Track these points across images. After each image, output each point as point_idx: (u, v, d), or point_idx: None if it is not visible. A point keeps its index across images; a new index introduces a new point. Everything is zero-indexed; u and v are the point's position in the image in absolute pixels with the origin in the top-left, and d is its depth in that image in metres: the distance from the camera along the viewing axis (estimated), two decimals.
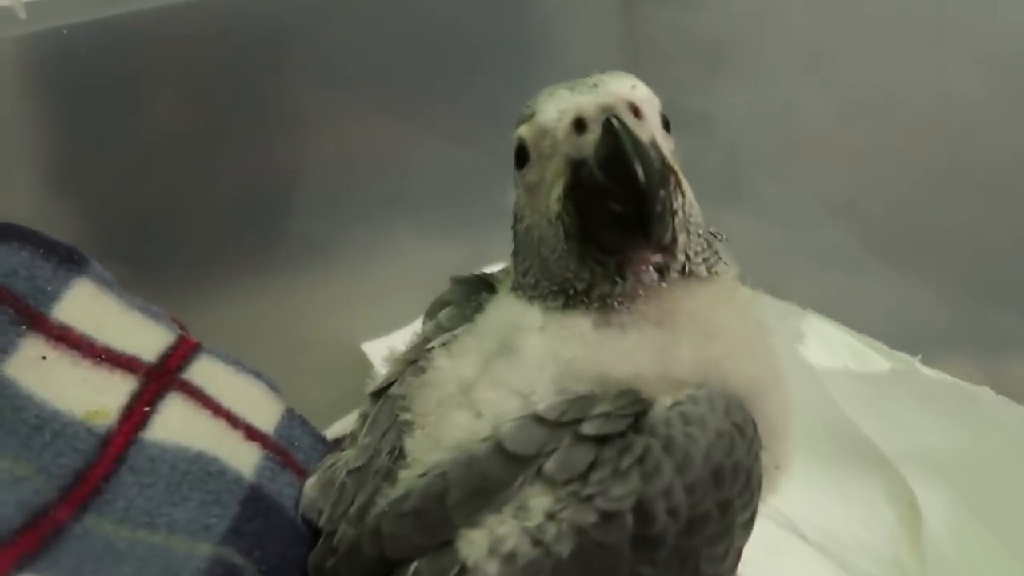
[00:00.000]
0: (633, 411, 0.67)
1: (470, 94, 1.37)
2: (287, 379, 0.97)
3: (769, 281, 1.38)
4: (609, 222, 0.66)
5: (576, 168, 0.67)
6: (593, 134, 0.66)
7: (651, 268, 0.69)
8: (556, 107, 0.69)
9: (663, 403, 0.67)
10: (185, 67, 1.12)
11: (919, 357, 1.19)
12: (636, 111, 0.68)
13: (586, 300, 0.70)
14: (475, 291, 0.84)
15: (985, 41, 1.16)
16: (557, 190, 0.69)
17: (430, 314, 0.86)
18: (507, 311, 0.76)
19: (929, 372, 1.16)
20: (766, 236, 1.40)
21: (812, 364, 1.19)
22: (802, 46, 1.34)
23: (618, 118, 0.66)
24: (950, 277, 1.21)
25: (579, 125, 0.67)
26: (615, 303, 0.70)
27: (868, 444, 1.10)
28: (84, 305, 0.83)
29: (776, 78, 1.38)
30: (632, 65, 1.52)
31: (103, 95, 1.06)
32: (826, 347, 1.24)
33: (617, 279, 0.69)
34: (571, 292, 0.71)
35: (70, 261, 0.85)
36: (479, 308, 0.80)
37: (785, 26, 1.35)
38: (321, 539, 0.77)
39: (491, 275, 0.86)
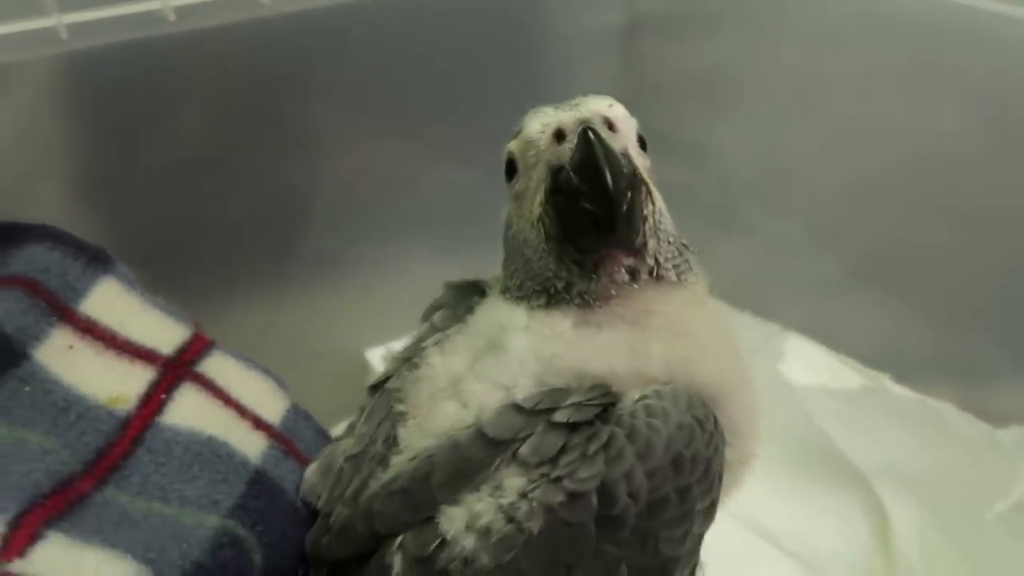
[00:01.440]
0: (602, 402, 0.73)
1: (477, 120, 1.42)
2: (294, 383, 1.02)
3: (756, 303, 1.45)
4: (584, 223, 0.73)
5: (555, 173, 0.74)
6: (570, 143, 0.73)
7: (623, 269, 0.75)
8: (540, 122, 0.76)
9: (631, 396, 0.73)
10: (210, 88, 1.19)
11: (889, 375, 1.24)
12: (611, 125, 0.75)
13: (566, 297, 0.76)
14: (467, 295, 0.90)
15: (969, 82, 1.22)
16: (539, 195, 0.75)
17: (426, 316, 0.92)
18: (495, 312, 0.82)
19: (898, 389, 1.21)
20: (755, 261, 1.46)
21: (792, 382, 1.24)
22: (794, 83, 1.40)
23: (592, 129, 0.72)
24: (925, 302, 1.26)
25: (559, 135, 0.74)
26: (591, 300, 0.75)
27: (843, 458, 1.15)
28: (109, 302, 0.90)
29: (768, 113, 1.44)
30: (631, 97, 1.58)
31: (133, 112, 1.13)
32: (806, 366, 1.29)
33: (592, 276, 0.75)
34: (552, 290, 0.76)
35: (97, 261, 0.92)
36: (470, 310, 0.86)
37: (778, 64, 1.41)
38: (319, 519, 0.83)
39: (483, 280, 0.92)
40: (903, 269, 1.30)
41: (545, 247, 0.76)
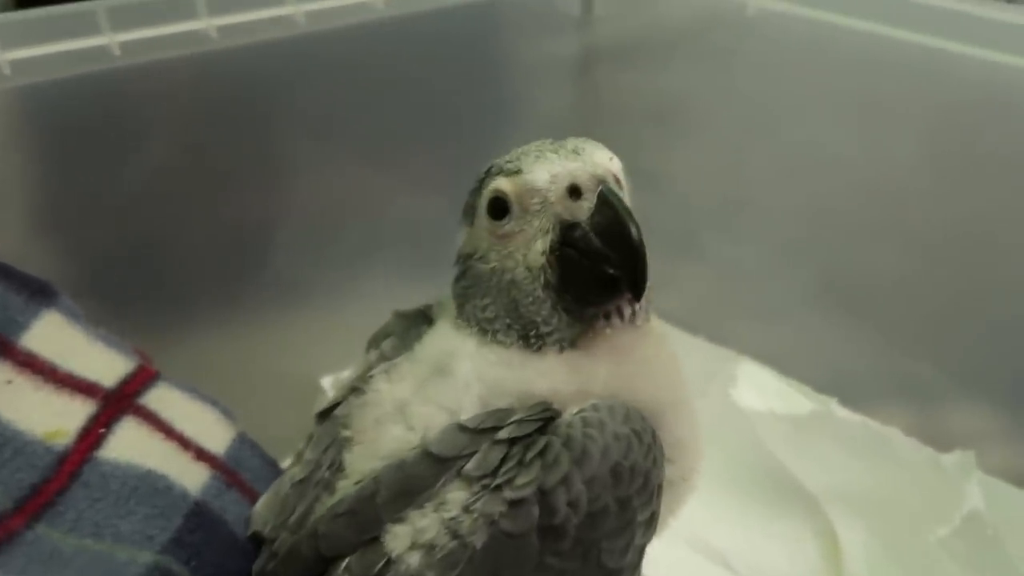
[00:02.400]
0: (543, 417, 0.74)
1: (436, 147, 1.43)
2: (248, 410, 1.02)
3: (710, 329, 1.46)
4: (593, 281, 0.75)
5: (568, 229, 0.75)
6: (588, 202, 0.74)
7: (605, 318, 0.77)
8: (547, 170, 0.76)
9: (570, 411, 0.75)
10: (168, 117, 1.20)
11: (836, 399, 1.25)
12: (618, 182, 0.77)
13: (543, 341, 0.77)
14: (416, 323, 0.91)
15: (916, 114, 1.25)
16: (541, 245, 0.76)
17: (373, 344, 0.93)
18: (443, 340, 0.83)
19: (843, 413, 1.22)
20: (710, 287, 1.47)
21: (744, 407, 1.25)
22: (749, 110, 1.42)
23: (613, 192, 0.74)
24: (875, 327, 1.28)
25: (574, 191, 0.75)
26: (568, 346, 0.77)
27: (794, 482, 1.16)
28: (51, 335, 0.89)
29: (724, 140, 1.46)
30: (589, 124, 1.62)
31: (85, 145, 1.12)
32: (757, 391, 1.30)
33: (575, 325, 0.77)
34: (532, 333, 0.78)
35: (42, 295, 0.91)
36: (419, 338, 0.87)
37: (734, 92, 1.44)
38: (264, 547, 0.83)
39: (430, 308, 0.93)
40: (854, 295, 1.32)
41: (540, 294, 0.77)
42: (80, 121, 1.11)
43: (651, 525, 0.77)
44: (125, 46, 1.07)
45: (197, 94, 1.20)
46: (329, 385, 1.29)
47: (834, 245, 1.35)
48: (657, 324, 0.83)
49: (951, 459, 1.11)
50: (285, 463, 1.09)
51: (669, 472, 0.78)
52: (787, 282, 1.38)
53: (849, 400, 1.26)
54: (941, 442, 1.14)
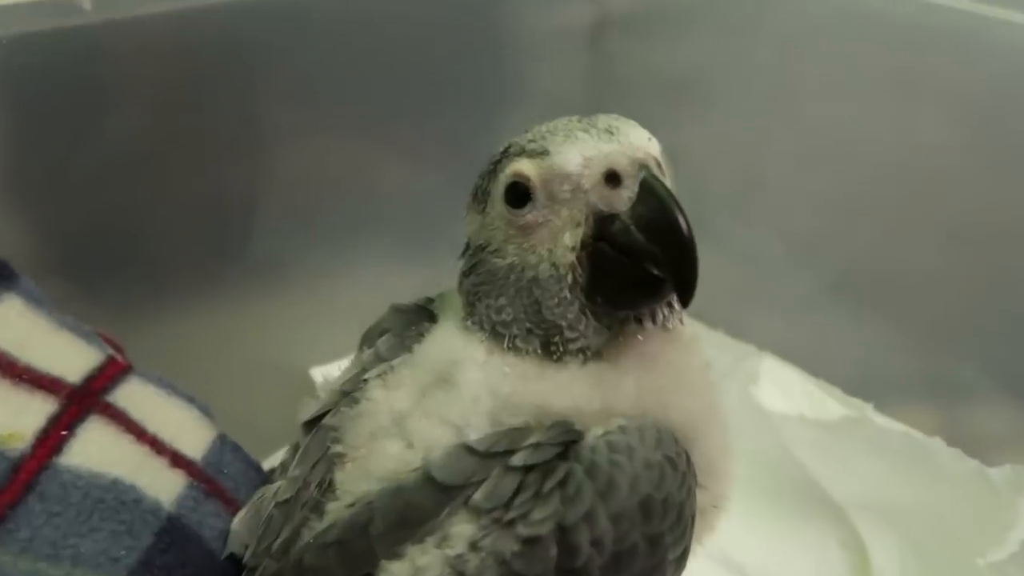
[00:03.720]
0: (563, 440, 0.65)
1: (434, 120, 1.37)
2: (231, 405, 0.95)
3: (729, 322, 1.39)
4: (632, 282, 0.66)
5: (604, 222, 0.66)
6: (628, 191, 0.65)
7: (636, 322, 0.69)
8: (579, 152, 0.67)
9: (594, 433, 0.66)
10: (143, 80, 1.11)
11: (872, 404, 1.18)
12: (660, 167, 0.68)
13: (565, 349, 0.69)
14: (415, 320, 0.81)
15: (953, 90, 1.17)
16: (571, 239, 0.68)
17: (367, 341, 0.83)
18: (448, 344, 0.74)
19: (881, 420, 1.15)
20: (728, 276, 1.40)
21: (767, 408, 1.18)
22: (769, 86, 1.36)
23: (659, 180, 0.65)
24: (910, 325, 1.22)
25: (611, 178, 0.66)
26: (593, 354, 0.69)
27: (820, 490, 1.10)
28: (9, 322, 0.80)
29: (742, 117, 1.39)
30: (597, 99, 1.54)
31: (53, 107, 1.04)
32: (782, 391, 1.23)
33: (605, 331, 0.69)
34: (555, 338, 0.69)
35: None
36: (419, 338, 0.78)
37: (751, 65, 1.37)
38: (243, 574, 0.75)
39: (431, 302, 0.84)
40: (885, 287, 1.26)
41: (567, 296, 0.68)
42: (45, 82, 1.02)
43: (682, 563, 0.69)
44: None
45: (176, 55, 1.11)
46: (320, 377, 1.20)
47: (861, 232, 1.29)
48: (688, 326, 0.74)
49: (1001, 474, 1.03)
50: (272, 461, 1.01)
51: (700, 499, 0.70)
52: (811, 272, 1.33)
53: (882, 403, 1.19)
54: (985, 451, 1.07)
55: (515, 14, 1.45)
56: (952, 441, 1.06)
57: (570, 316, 0.68)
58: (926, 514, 1.03)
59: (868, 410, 1.18)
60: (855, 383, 1.24)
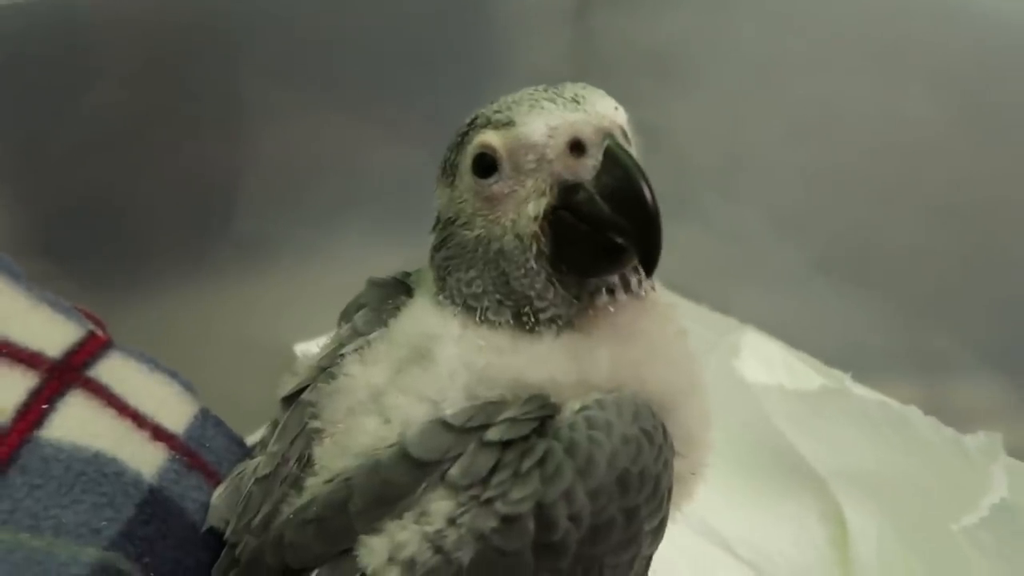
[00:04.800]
0: (539, 415, 0.65)
1: (418, 96, 1.35)
2: (214, 382, 0.94)
3: (711, 295, 1.39)
4: (595, 250, 0.66)
5: (568, 191, 0.66)
6: (593, 159, 0.65)
7: (607, 293, 0.69)
8: (544, 122, 0.66)
9: (571, 407, 0.66)
10: (125, 53, 1.09)
11: (850, 374, 1.19)
12: (625, 136, 0.67)
13: (537, 320, 0.69)
14: (392, 294, 0.81)
15: (937, 62, 1.16)
16: (535, 208, 0.67)
17: (345, 316, 0.83)
18: (423, 319, 0.74)
19: (859, 390, 1.16)
20: (711, 250, 1.40)
21: (748, 380, 1.18)
22: (752, 61, 1.34)
23: (623, 148, 0.65)
24: (890, 298, 1.21)
25: (576, 147, 0.65)
26: (564, 324, 0.69)
27: (801, 462, 1.10)
28: None
29: (725, 92, 1.38)
30: (581, 74, 1.51)
31: (32, 80, 1.02)
32: (763, 363, 1.24)
33: (574, 301, 0.68)
34: (525, 309, 0.69)
35: None
36: (395, 312, 0.78)
37: (735, 40, 1.35)
38: (225, 550, 0.75)
39: (408, 276, 0.84)
40: (867, 261, 1.26)
41: (533, 266, 0.68)
42: (24, 55, 1.01)
43: (659, 533, 0.69)
44: None
45: (158, 30, 1.10)
46: (303, 354, 1.20)
47: (845, 207, 1.28)
48: (662, 293, 0.74)
49: (975, 441, 1.04)
50: (256, 437, 1.01)
51: (678, 466, 0.70)
52: (794, 247, 1.32)
53: (862, 375, 1.19)
54: (963, 422, 1.07)
55: None
56: (929, 411, 1.07)
57: (537, 286, 0.68)
58: (902, 481, 1.04)
59: (846, 380, 1.18)
60: (835, 356, 1.24)
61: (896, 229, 1.22)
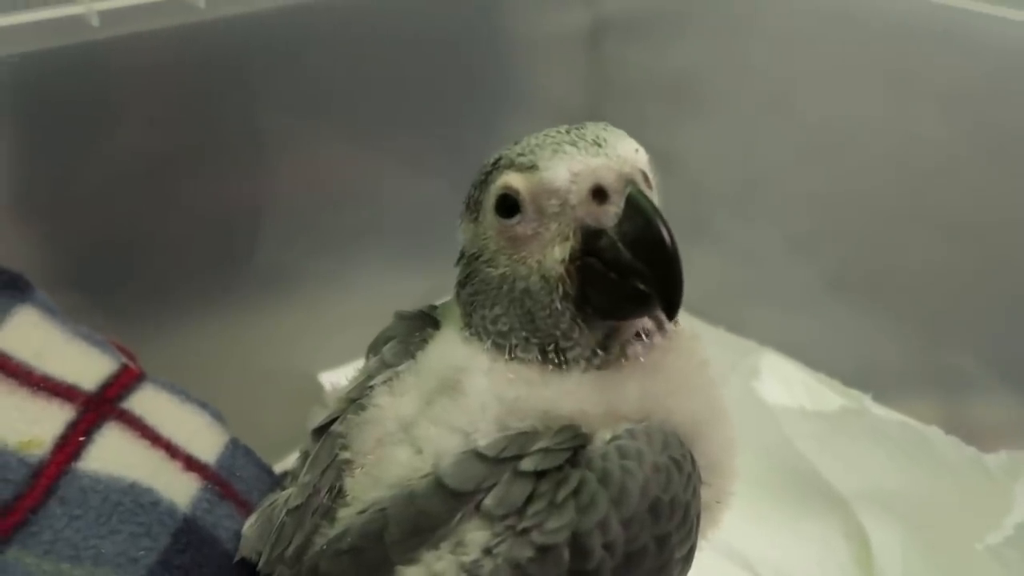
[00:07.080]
0: (572, 445, 0.66)
1: (436, 126, 1.37)
2: (241, 411, 0.96)
3: (729, 318, 1.39)
4: (621, 295, 0.67)
5: (591, 237, 0.67)
6: (615, 206, 0.66)
7: (639, 336, 0.70)
8: (567, 167, 0.67)
9: (602, 437, 0.67)
10: (149, 94, 1.12)
11: (870, 395, 1.19)
12: (647, 179, 0.68)
13: (565, 358, 0.70)
14: (419, 327, 0.82)
15: (947, 87, 1.17)
16: (560, 252, 0.68)
17: (373, 349, 0.84)
18: (451, 352, 0.75)
19: (879, 410, 1.16)
20: (728, 273, 1.41)
21: (769, 402, 1.19)
22: (764, 85, 1.36)
23: (644, 196, 0.65)
24: (907, 316, 1.21)
25: (598, 193, 0.66)
26: (589, 363, 0.70)
27: (823, 482, 1.10)
28: (25, 333, 0.82)
29: (738, 116, 1.39)
30: (597, 101, 1.55)
31: (61, 124, 1.05)
32: (783, 385, 1.24)
33: (599, 351, 0.69)
34: (551, 347, 0.70)
35: (14, 288, 0.84)
36: (423, 344, 0.78)
37: (748, 65, 1.37)
38: None
39: (435, 309, 0.84)
40: (883, 281, 1.26)
41: (559, 306, 0.69)
42: (55, 98, 1.04)
43: (688, 560, 0.70)
44: (104, 15, 1.00)
45: (181, 69, 1.12)
46: (328, 382, 1.22)
47: (860, 227, 1.28)
48: (686, 325, 0.75)
49: (996, 460, 1.05)
50: (282, 466, 1.02)
51: (704, 495, 0.71)
52: (810, 268, 1.32)
53: (882, 395, 1.20)
54: (984, 441, 1.07)
55: (514, 19, 1.45)
56: (949, 430, 1.07)
57: (563, 326, 0.69)
58: (925, 501, 1.04)
59: (866, 401, 1.19)
60: (854, 376, 1.24)
61: (911, 248, 1.23)
